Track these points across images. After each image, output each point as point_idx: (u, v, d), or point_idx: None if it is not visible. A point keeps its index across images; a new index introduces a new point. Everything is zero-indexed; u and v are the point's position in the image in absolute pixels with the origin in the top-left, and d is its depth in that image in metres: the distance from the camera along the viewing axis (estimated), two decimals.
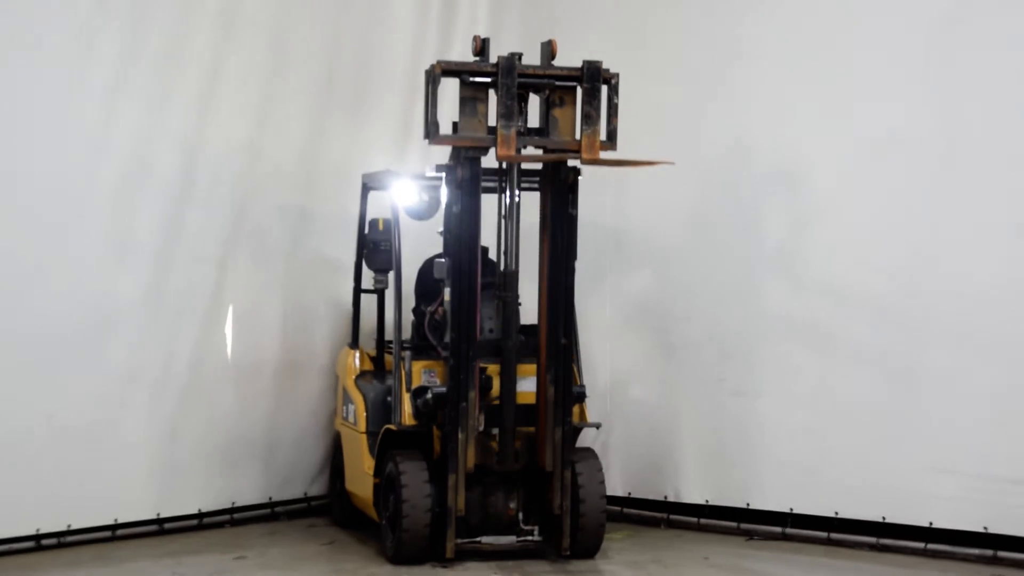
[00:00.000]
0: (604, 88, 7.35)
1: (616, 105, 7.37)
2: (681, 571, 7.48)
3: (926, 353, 7.83)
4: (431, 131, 7.27)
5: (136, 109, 8.03)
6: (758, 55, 8.61)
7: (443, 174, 7.56)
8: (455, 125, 7.39)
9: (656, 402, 9.06)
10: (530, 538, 7.52)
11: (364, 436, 8.05)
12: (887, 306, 7.99)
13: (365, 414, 8.10)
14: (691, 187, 8.83)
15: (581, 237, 7.63)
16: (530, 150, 7.51)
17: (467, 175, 7.42)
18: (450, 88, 7.31)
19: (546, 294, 7.54)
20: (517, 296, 7.66)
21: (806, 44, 8.39)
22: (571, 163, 7.56)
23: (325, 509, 9.10)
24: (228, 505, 8.68)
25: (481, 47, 7.55)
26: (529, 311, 7.79)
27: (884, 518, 7.89)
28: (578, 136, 7.32)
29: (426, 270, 8.18)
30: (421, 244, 8.25)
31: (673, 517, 8.87)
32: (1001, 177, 7.64)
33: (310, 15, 9.06)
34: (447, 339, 7.48)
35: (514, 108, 7.27)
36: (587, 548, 7.54)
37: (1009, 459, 7.41)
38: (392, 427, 7.62)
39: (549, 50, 7.47)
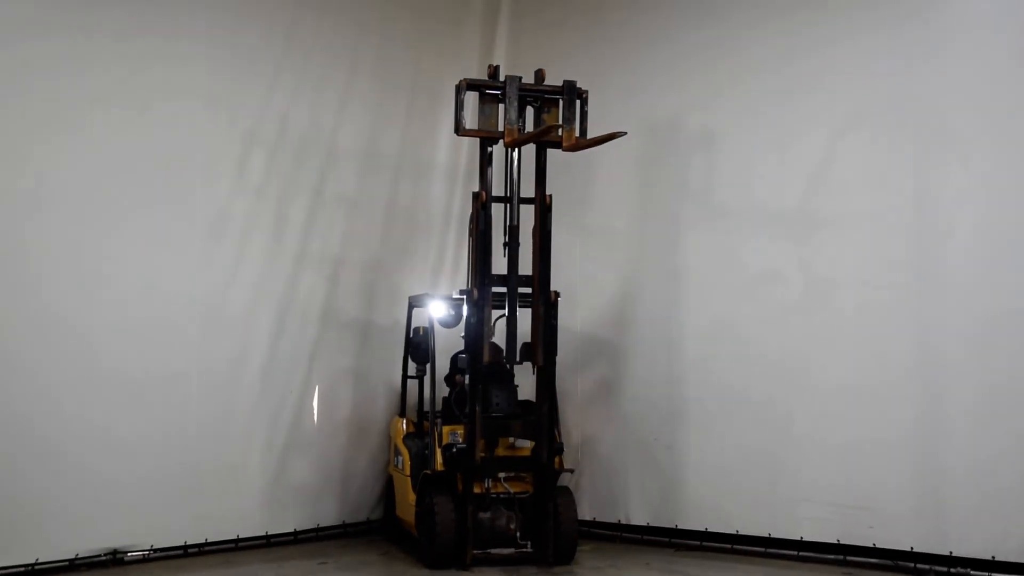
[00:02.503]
0: (578, 101, 8.41)
1: (586, 112, 8.42)
2: (630, 572, 8.38)
3: (795, 421, 8.87)
4: (459, 126, 8.22)
5: (258, 254, 9.30)
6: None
7: (464, 296, 8.62)
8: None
9: (612, 454, 9.95)
10: (525, 549, 8.46)
11: (409, 478, 8.98)
12: (769, 390, 8.98)
13: (410, 463, 9.03)
14: (633, 312, 9.89)
15: (560, 340, 8.69)
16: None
17: (480, 296, 8.33)
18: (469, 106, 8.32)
19: (537, 379, 8.55)
20: (514, 381, 8.73)
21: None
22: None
23: (381, 529, 9.97)
24: (314, 526, 9.67)
25: (494, 71, 8.48)
26: (524, 391, 8.88)
27: (769, 534, 8.93)
28: (560, 133, 8.36)
29: (455, 359, 9.09)
30: (450, 343, 9.21)
31: (624, 535, 9.73)
32: (842, 306, 8.61)
33: (374, 191, 10.27)
34: (467, 410, 8.51)
35: (515, 113, 8.29)
36: (565, 556, 8.48)
37: (853, 492, 8.48)
38: (428, 472, 8.59)
39: (540, 75, 8.52)
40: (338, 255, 10.06)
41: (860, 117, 8.84)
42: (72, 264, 8.26)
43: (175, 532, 8.77)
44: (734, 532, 9.19)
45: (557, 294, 8.77)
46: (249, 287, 9.34)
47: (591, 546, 9.41)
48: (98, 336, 8.38)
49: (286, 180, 9.61)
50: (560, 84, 8.46)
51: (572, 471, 9.20)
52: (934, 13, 8.60)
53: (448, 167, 9.18)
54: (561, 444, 8.92)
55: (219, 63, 9.14)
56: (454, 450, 8.53)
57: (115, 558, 8.37)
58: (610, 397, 10.09)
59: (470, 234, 8.73)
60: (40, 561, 7.95)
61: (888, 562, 8.38)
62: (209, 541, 8.98)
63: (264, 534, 9.38)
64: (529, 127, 8.73)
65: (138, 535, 8.52)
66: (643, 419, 9.82)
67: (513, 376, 8.82)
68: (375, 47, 10.34)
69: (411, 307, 9.68)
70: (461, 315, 8.97)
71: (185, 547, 8.83)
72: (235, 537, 9.16)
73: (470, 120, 8.50)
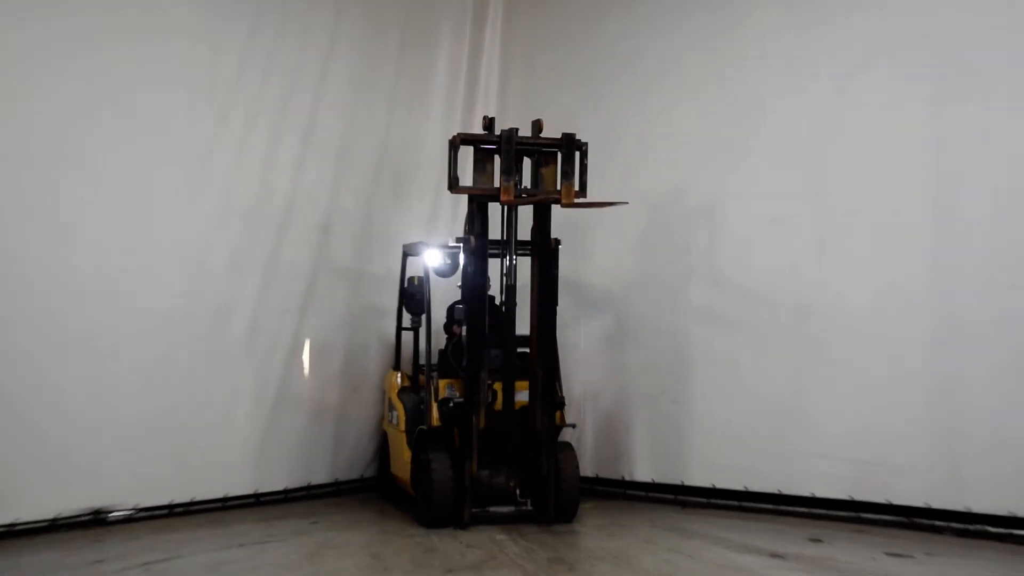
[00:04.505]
0: (577, 153, 8.17)
1: (586, 165, 8.16)
2: (634, 530, 8.24)
3: (809, 373, 8.71)
4: (452, 184, 8.07)
5: (245, 200, 9.13)
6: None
7: (461, 244, 8.48)
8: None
9: (616, 408, 9.85)
10: (525, 507, 8.35)
11: (404, 434, 8.90)
12: (778, 340, 8.91)
13: (405, 418, 8.94)
14: (636, 256, 9.72)
15: (561, 289, 8.52)
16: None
17: (478, 245, 8.23)
18: (465, 155, 8.15)
19: (536, 330, 8.37)
20: (513, 330, 8.43)
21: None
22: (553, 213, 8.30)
23: (375, 487, 9.93)
24: (305, 484, 9.58)
25: (489, 123, 8.27)
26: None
27: (779, 490, 8.83)
28: (558, 187, 8.16)
29: (452, 309, 9.17)
30: (446, 294, 9.16)
31: (628, 492, 9.68)
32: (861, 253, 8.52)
33: (365, 132, 10.10)
34: (464, 363, 8.41)
35: (512, 167, 8.02)
36: (566, 515, 8.38)
37: (867, 446, 8.35)
38: (424, 427, 8.50)
39: (538, 126, 8.23)
40: (328, 201, 9.89)
41: (876, 54, 8.60)
42: (48, 214, 8.00)
43: (160, 491, 8.61)
44: (743, 489, 9.09)
45: (558, 241, 8.58)
46: (235, 235, 9.14)
47: (594, 504, 9.34)
48: (77, 289, 8.14)
49: (272, 122, 9.41)
50: (559, 137, 8.21)
51: (574, 426, 9.05)
52: None
53: (445, 101, 8.92)
54: (562, 398, 8.78)
55: (201, 1, 8.91)
56: (451, 404, 8.40)
57: (97, 518, 8.21)
58: (614, 348, 9.97)
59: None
60: (20, 521, 7.80)
61: (903, 519, 8.26)
62: (196, 500, 8.84)
63: (253, 492, 9.27)
64: (527, 170, 8.54)
65: (121, 494, 8.36)
66: (648, 371, 9.71)
67: (513, 323, 8.52)
68: None
69: (405, 256, 9.55)
70: (457, 264, 8.83)
71: (171, 507, 8.67)
72: (223, 496, 9.02)
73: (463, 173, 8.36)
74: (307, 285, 9.69)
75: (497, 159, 8.18)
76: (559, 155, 8.24)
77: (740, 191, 9.26)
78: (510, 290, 8.38)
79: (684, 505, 9.35)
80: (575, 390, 9.91)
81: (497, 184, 8.15)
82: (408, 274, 9.31)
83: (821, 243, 8.81)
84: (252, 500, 9.24)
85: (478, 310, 8.28)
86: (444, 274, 9.08)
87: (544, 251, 8.41)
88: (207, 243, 8.97)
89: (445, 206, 10.50)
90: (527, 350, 8.51)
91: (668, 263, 9.68)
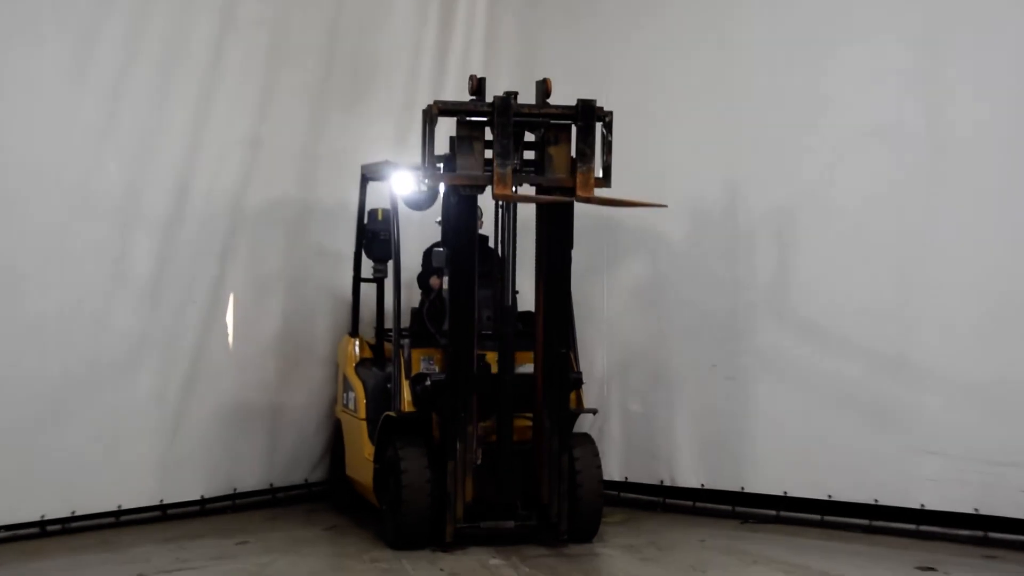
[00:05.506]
0: (598, 126, 7.19)
1: (610, 142, 7.21)
2: (677, 553, 7.33)
3: (915, 338, 7.76)
4: (429, 169, 7.23)
5: (140, 104, 8.00)
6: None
7: (442, 165, 7.34)
8: (451, 155, 7.26)
9: (652, 388, 8.97)
10: (529, 522, 7.38)
11: (364, 423, 7.98)
12: (876, 294, 7.93)
13: (365, 401, 8.02)
14: (679, 181, 8.66)
15: (577, 227, 7.45)
16: (525, 187, 7.40)
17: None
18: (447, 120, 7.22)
19: (543, 282, 7.36)
20: (514, 285, 7.43)
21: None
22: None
23: (326, 495, 9.07)
24: (230, 491, 8.64)
25: (477, 86, 7.42)
26: (527, 299, 7.66)
27: (876, 500, 7.79)
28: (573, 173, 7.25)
29: (429, 254, 8.15)
30: (423, 233, 8.16)
31: (669, 501, 8.83)
32: (985, 182, 7.54)
33: (308, 12, 9.01)
34: (446, 327, 7.38)
35: (509, 147, 7.12)
36: (584, 532, 7.43)
37: (999, 442, 7.26)
38: (392, 414, 7.49)
39: (544, 88, 7.31)
40: (258, 104, 8.73)
41: None
42: None
43: (29, 503, 7.57)
44: (825, 498, 8.08)
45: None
46: (130, 153, 7.98)
47: (622, 516, 8.52)
48: None
49: None
50: (573, 105, 7.23)
51: (595, 412, 8.18)
52: None
53: None
54: (579, 375, 7.79)
55: None
56: (428, 383, 7.43)
57: None
58: (649, 307, 8.99)
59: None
60: None
61: None
62: (78, 515, 7.79)
63: (159, 503, 8.30)
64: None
65: None
66: (695, 338, 8.73)
67: (512, 273, 7.50)
68: None
69: (365, 181, 8.59)
70: (436, 192, 7.81)
71: (43, 523, 7.62)
72: (116, 508, 7.99)
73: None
74: (230, 221, 8.61)
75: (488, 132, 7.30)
76: (573, 130, 7.30)
77: (819, 86, 8.23)
78: (508, 228, 7.48)
79: (745, 519, 8.44)
80: (596, 363, 9.02)
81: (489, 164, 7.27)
82: (369, 206, 8.44)
83: (935, 165, 7.74)
84: (157, 513, 8.30)
85: (465, 255, 7.35)
86: (419, 206, 8.08)
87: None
88: (91, 164, 7.83)
89: (419, 114, 8.93)
90: (530, 310, 7.64)
91: (723, 189, 8.50)
